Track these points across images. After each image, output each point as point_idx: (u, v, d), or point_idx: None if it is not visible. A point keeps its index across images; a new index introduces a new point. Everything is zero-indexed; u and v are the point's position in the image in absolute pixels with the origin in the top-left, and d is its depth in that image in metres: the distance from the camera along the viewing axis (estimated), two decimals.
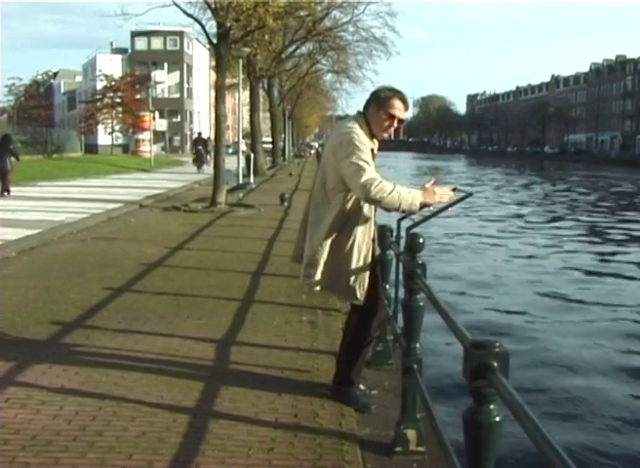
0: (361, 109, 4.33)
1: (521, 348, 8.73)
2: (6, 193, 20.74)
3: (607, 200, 36.58)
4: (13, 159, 21.91)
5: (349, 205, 4.19)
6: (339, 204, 4.19)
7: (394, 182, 3.98)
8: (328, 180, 4.24)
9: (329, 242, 4.22)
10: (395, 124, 4.24)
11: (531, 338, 9.55)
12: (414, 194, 3.97)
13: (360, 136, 4.10)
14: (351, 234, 4.22)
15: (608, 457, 6.10)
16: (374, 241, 4.45)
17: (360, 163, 3.97)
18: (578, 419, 6.87)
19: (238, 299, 7.55)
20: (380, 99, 4.21)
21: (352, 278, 4.25)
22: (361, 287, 4.26)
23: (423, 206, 4.08)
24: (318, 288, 4.37)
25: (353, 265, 4.24)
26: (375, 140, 4.27)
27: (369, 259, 4.30)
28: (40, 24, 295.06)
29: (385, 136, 4.34)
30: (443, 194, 4.12)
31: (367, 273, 4.29)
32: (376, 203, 4.05)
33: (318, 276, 4.27)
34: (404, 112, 4.26)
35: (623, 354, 9.16)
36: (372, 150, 4.17)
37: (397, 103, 4.20)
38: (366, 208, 4.23)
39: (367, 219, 4.27)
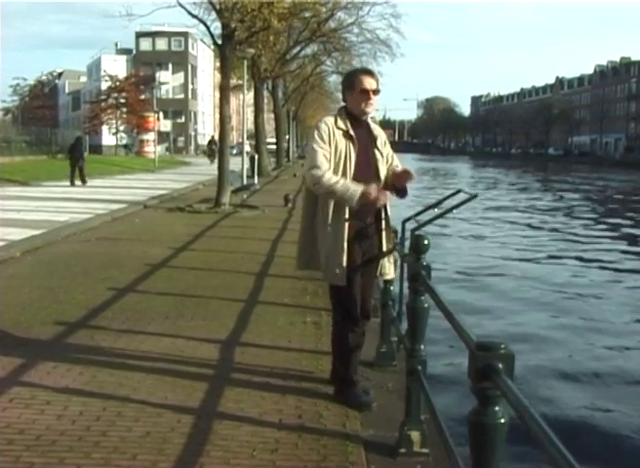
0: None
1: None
2: (82, 184, 26.57)
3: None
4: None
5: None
6: (308, 192, 4.44)
7: (338, 179, 4.19)
8: None
9: (309, 224, 4.41)
10: (372, 96, 4.39)
11: None
12: (349, 192, 4.15)
13: (324, 128, 4.32)
14: (325, 212, 4.32)
15: (613, 458, 6.08)
16: (351, 219, 4.33)
17: (312, 154, 4.28)
18: (583, 419, 6.84)
19: (242, 300, 7.55)
20: (349, 82, 4.47)
21: (330, 257, 4.32)
22: (339, 266, 4.29)
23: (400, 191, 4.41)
24: (304, 268, 4.56)
25: (329, 243, 4.31)
26: (356, 125, 4.42)
27: (344, 237, 4.30)
28: (46, 24, 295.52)
29: (370, 111, 4.47)
30: (381, 196, 4.23)
31: (344, 251, 4.30)
32: (314, 191, 4.30)
33: (304, 256, 4.47)
34: (375, 83, 4.42)
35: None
36: (350, 136, 4.35)
37: (363, 77, 4.39)
38: None
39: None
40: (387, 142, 4.64)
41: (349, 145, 4.33)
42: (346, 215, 4.29)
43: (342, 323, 4.51)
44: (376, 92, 4.41)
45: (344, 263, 4.29)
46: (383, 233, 4.54)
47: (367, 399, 4.57)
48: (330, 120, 4.40)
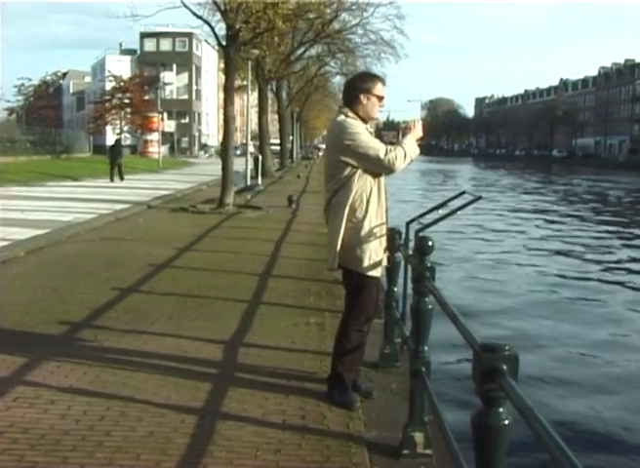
0: (342, 105, 4.68)
1: None
2: (120, 180, 29.79)
3: None
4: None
5: (357, 186, 4.42)
6: (347, 188, 4.42)
7: (396, 146, 4.39)
8: (334, 174, 4.49)
9: (345, 222, 4.42)
10: (382, 102, 4.64)
11: None
12: (410, 143, 4.44)
13: (353, 122, 4.45)
14: (366, 210, 4.43)
15: (617, 462, 6.07)
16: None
17: (368, 145, 4.36)
18: (588, 421, 6.82)
19: (246, 301, 7.55)
20: (367, 87, 4.56)
21: (363, 247, 4.41)
22: (370, 257, 4.42)
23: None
24: (336, 265, 4.51)
25: (364, 234, 4.41)
26: (367, 125, 4.62)
27: (383, 231, 4.50)
28: (50, 25, 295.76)
29: (376, 116, 4.71)
30: (418, 127, 4.56)
31: (379, 245, 4.46)
32: (398, 170, 4.43)
33: (336, 255, 4.44)
34: (384, 90, 4.67)
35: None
36: (370, 133, 4.54)
37: (380, 84, 4.60)
38: (374, 184, 4.46)
39: (378, 194, 4.49)
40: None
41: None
42: (385, 209, 4.52)
43: (354, 320, 4.54)
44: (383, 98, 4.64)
45: (378, 255, 4.46)
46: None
47: (351, 397, 4.56)
48: (351, 120, 4.49)
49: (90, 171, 35.72)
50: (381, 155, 4.31)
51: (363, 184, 4.42)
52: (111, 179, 29.82)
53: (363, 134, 4.39)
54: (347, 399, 4.54)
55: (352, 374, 4.66)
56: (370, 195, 4.43)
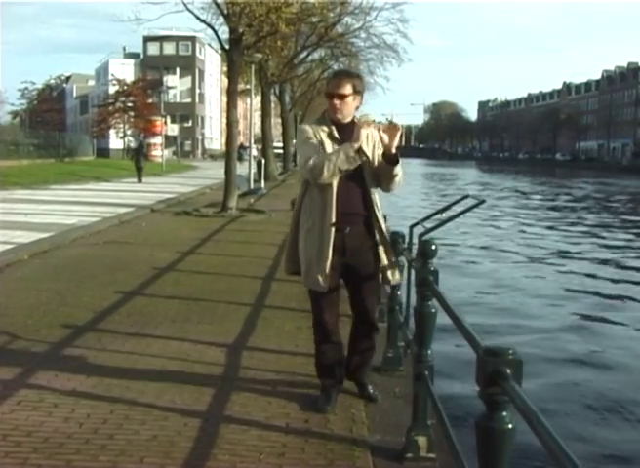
0: None
1: None
2: (139, 181, 31.71)
3: None
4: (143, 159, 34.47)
5: (305, 193, 4.37)
6: (300, 194, 4.44)
7: (322, 157, 4.12)
8: None
9: (292, 227, 4.47)
10: (335, 100, 4.22)
11: None
12: (341, 153, 4.07)
13: (306, 128, 4.34)
14: (306, 219, 4.32)
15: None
16: (337, 224, 4.23)
17: (300, 152, 4.33)
18: (592, 424, 6.81)
19: (249, 304, 7.56)
20: (326, 89, 4.40)
21: (300, 256, 4.37)
22: (322, 272, 4.24)
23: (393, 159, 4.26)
24: (289, 271, 4.66)
25: (301, 245, 4.36)
26: (340, 129, 4.27)
27: (329, 243, 4.21)
28: (55, 28, 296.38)
29: (339, 116, 4.27)
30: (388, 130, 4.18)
31: (314, 259, 4.26)
32: (320, 180, 4.13)
33: (288, 262, 4.57)
34: (339, 87, 4.21)
35: None
36: (334, 138, 4.25)
37: (331, 81, 4.35)
38: (320, 194, 4.24)
39: (323, 205, 4.23)
40: (379, 144, 4.31)
41: (334, 147, 4.22)
42: (332, 220, 4.21)
43: (315, 330, 4.56)
44: (341, 96, 4.21)
45: (327, 270, 4.23)
46: (380, 246, 4.40)
47: (322, 406, 4.48)
48: (310, 123, 4.41)
49: (97, 173, 35.78)
50: (304, 164, 4.16)
51: (309, 192, 4.31)
52: (139, 180, 32.13)
53: (305, 141, 4.24)
54: (315, 404, 4.53)
55: (327, 381, 4.60)
56: (314, 205, 4.26)
